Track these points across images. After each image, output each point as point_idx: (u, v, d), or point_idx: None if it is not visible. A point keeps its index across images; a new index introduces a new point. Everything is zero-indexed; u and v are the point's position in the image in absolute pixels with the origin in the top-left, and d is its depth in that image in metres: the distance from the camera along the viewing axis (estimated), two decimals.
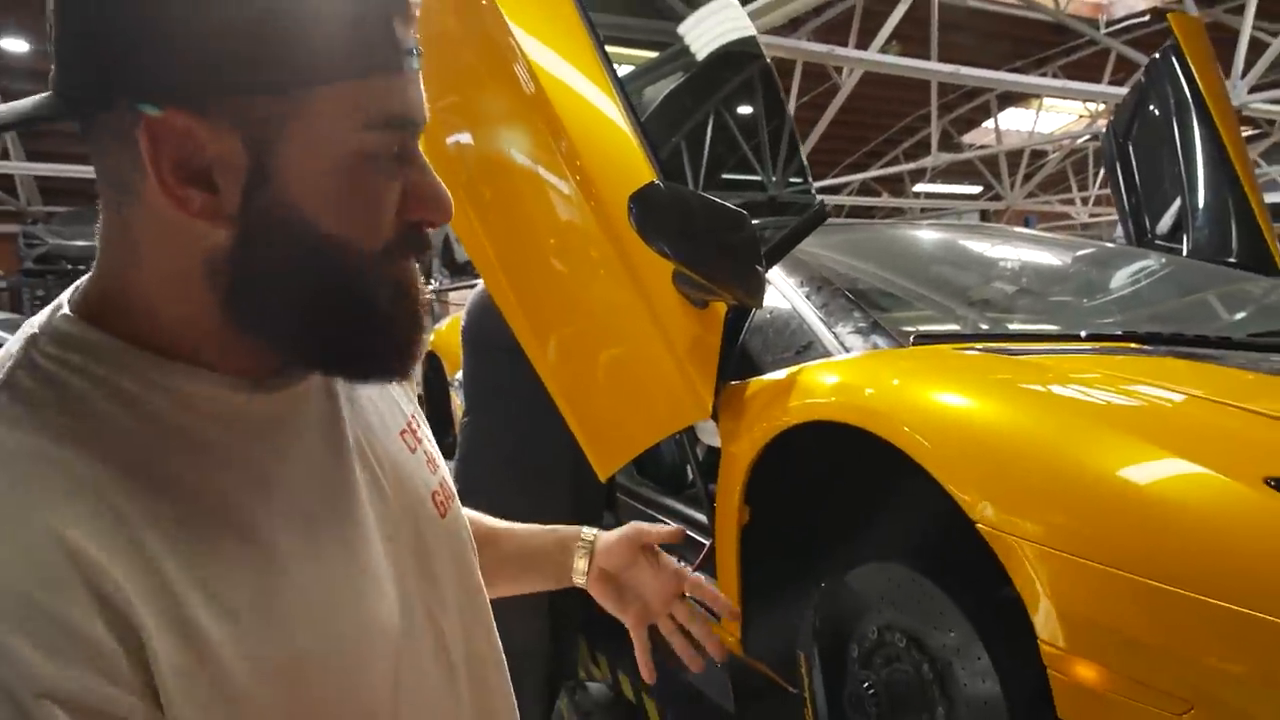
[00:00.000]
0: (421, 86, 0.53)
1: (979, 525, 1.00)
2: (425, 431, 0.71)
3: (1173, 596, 0.82)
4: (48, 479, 0.45)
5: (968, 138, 16.87)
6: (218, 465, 0.52)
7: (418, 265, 0.57)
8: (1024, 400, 1.13)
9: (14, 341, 0.52)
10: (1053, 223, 17.93)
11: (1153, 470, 0.91)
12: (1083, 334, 1.43)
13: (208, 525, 0.49)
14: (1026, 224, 15.19)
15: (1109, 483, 0.93)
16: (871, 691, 1.22)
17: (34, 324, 0.53)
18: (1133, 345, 1.40)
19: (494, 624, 0.73)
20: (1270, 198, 2.82)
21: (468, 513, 0.84)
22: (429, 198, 0.54)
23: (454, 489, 0.71)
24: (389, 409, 0.67)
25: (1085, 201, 17.06)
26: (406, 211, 0.54)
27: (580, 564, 0.90)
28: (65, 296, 0.54)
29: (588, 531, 0.92)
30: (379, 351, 0.56)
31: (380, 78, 0.50)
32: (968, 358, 1.34)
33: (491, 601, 0.73)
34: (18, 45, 11.17)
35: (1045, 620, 0.92)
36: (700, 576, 0.95)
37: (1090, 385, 1.15)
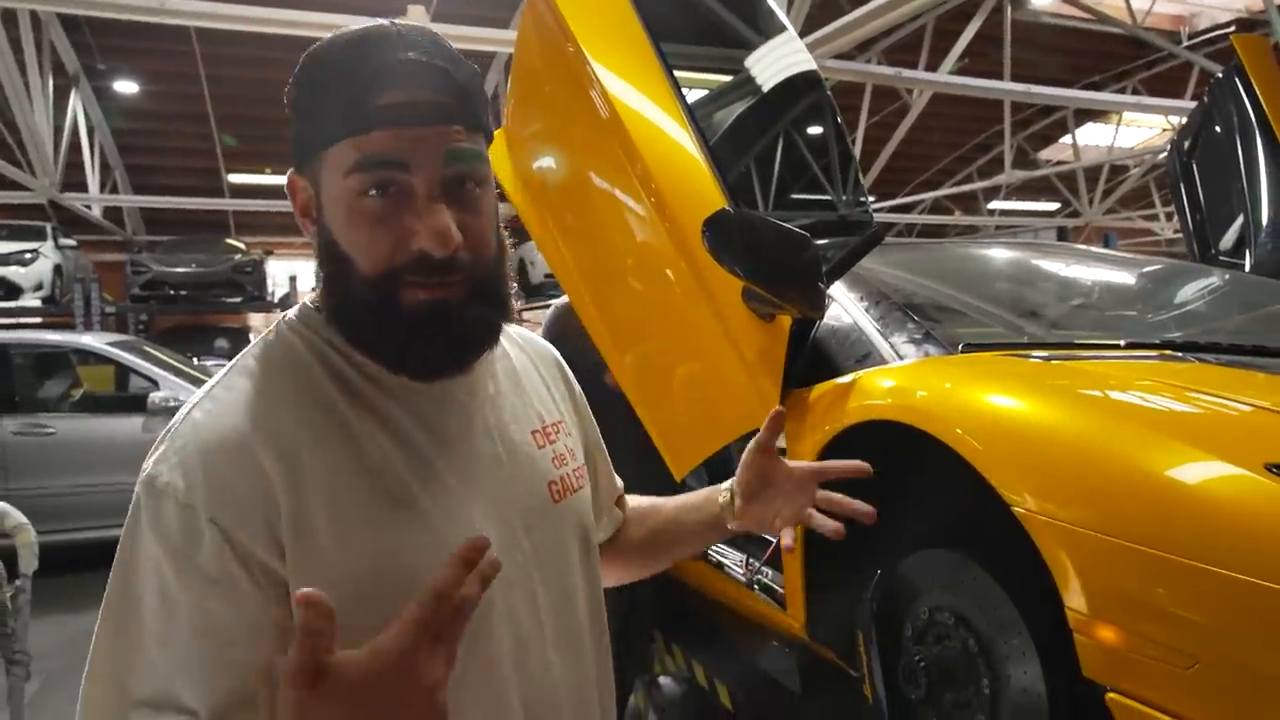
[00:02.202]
0: (416, 132, 0.69)
1: (1015, 509, 1.12)
2: (566, 440, 0.89)
3: (1182, 566, 0.94)
4: (254, 406, 0.71)
5: (1044, 154, 16.57)
6: (369, 414, 0.73)
7: (446, 288, 0.71)
8: (1051, 397, 1.25)
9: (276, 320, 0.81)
10: (1135, 239, 17.44)
11: (1168, 458, 1.03)
12: (1122, 343, 1.54)
13: (348, 455, 0.71)
14: (1106, 241, 14.81)
15: (1129, 470, 1.05)
16: (923, 665, 1.35)
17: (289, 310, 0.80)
18: (1168, 352, 1.50)
19: (593, 602, 0.88)
20: None
21: (638, 498, 1.08)
22: (424, 232, 0.69)
23: (579, 486, 0.88)
24: (525, 414, 0.86)
25: (1169, 217, 16.56)
26: (411, 243, 0.70)
27: (725, 499, 1.00)
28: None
29: (726, 483, 1.03)
30: (390, 353, 0.73)
31: (353, 139, 0.69)
32: (1007, 362, 1.46)
33: None
34: (129, 87, 12.02)
35: (1072, 590, 1.04)
36: (820, 464, 1.01)
37: (1114, 386, 1.27)
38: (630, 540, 1.07)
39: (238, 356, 0.76)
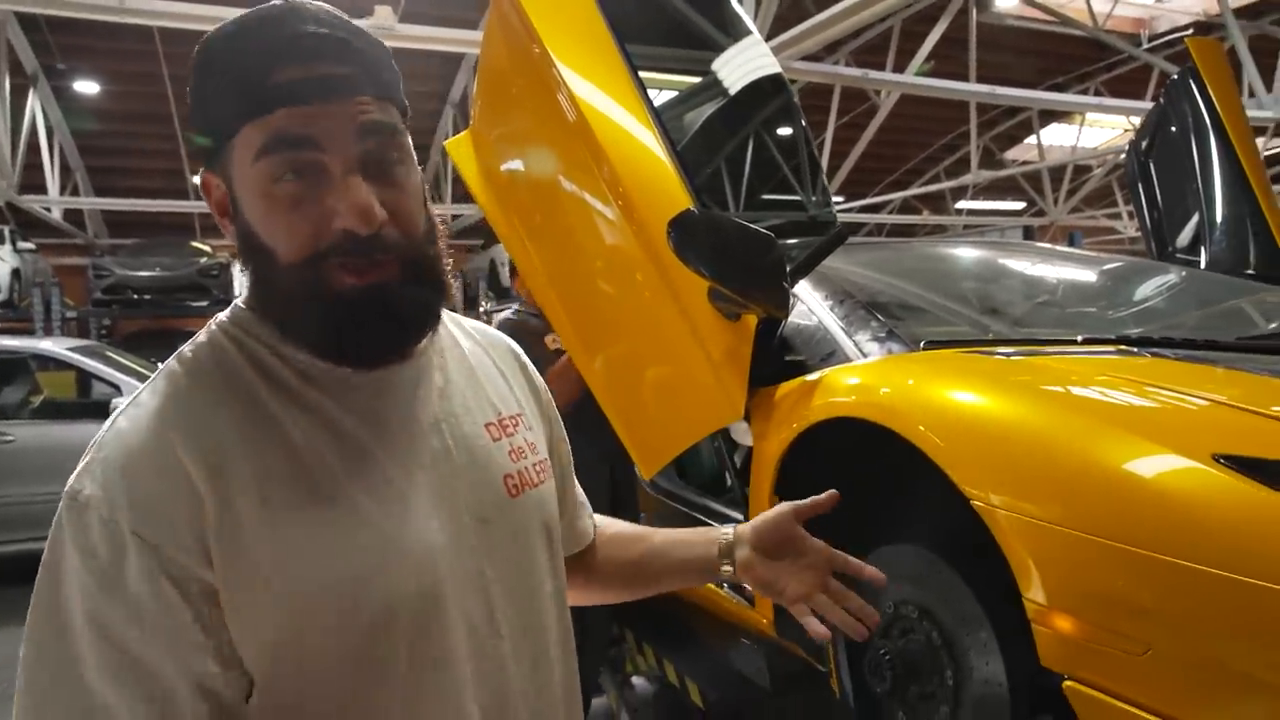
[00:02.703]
0: (321, 107, 0.65)
1: (974, 502, 1.14)
2: (526, 434, 0.84)
3: (1134, 556, 0.96)
4: (179, 410, 0.67)
5: (1010, 154, 16.79)
6: (301, 410, 0.70)
7: (377, 270, 0.67)
8: (1011, 393, 1.27)
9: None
10: (1099, 237, 17.73)
11: (1122, 451, 1.05)
12: (1079, 338, 1.57)
13: (279, 456, 0.67)
14: (1072, 239, 15.04)
15: (1086, 464, 1.07)
16: (889, 659, 1.36)
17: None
18: (1126, 348, 1.53)
19: (559, 604, 0.84)
20: None
21: (625, 525, 1.03)
22: (344, 210, 0.66)
23: (540, 481, 0.82)
24: (479, 406, 0.81)
25: (1132, 216, 16.84)
26: (333, 223, 0.66)
27: (725, 543, 0.94)
28: None
29: (727, 527, 0.97)
30: (325, 342, 0.69)
31: (256, 122, 0.66)
32: (968, 359, 1.49)
33: None
34: (89, 87, 11.81)
35: (1030, 581, 1.06)
36: (842, 554, 0.93)
37: (1074, 381, 1.29)
38: (605, 562, 1.02)
39: (167, 360, 0.72)
